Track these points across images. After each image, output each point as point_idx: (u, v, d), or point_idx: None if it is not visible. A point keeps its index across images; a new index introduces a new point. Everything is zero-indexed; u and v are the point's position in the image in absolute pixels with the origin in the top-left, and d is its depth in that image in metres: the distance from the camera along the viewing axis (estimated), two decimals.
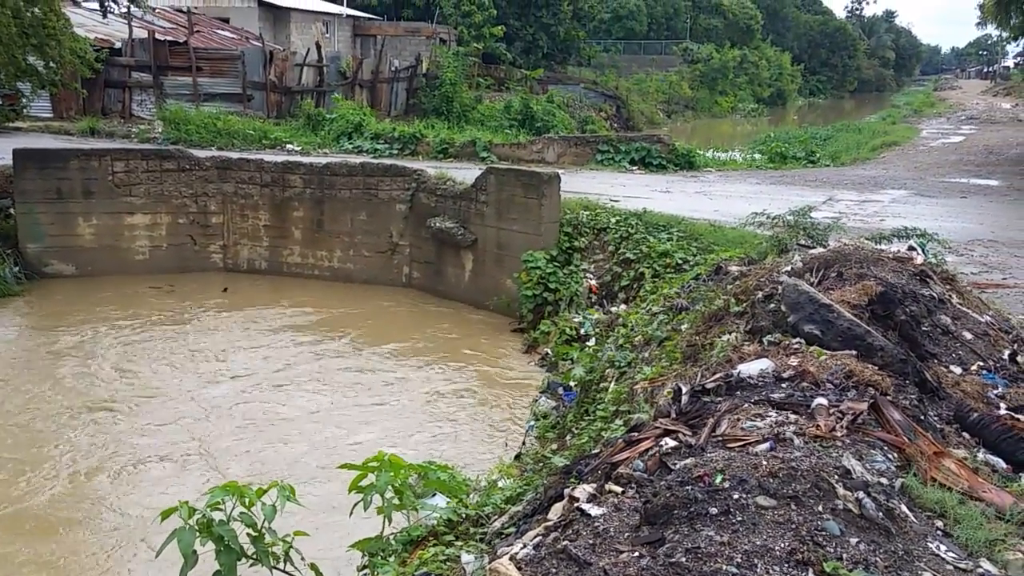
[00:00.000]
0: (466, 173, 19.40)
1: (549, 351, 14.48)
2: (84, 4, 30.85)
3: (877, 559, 3.82)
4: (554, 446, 9.60)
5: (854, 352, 6.13)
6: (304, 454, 11.37)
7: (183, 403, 12.91)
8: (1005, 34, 35.43)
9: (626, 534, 4.20)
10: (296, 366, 14.58)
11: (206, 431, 11.99)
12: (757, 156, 30.33)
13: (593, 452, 6.53)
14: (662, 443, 5.14)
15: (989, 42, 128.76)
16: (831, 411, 5.14)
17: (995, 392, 6.40)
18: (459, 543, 5.95)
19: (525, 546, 4.43)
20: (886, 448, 4.87)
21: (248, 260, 20.59)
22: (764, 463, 4.44)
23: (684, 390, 5.99)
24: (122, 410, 12.60)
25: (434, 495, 6.94)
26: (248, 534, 5.70)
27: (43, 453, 11.24)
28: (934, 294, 7.79)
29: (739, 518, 4.06)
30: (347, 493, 6.40)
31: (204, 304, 17.80)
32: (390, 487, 6.23)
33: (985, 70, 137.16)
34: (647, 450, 5.18)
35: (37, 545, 9.22)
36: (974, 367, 6.85)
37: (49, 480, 10.54)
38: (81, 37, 24.99)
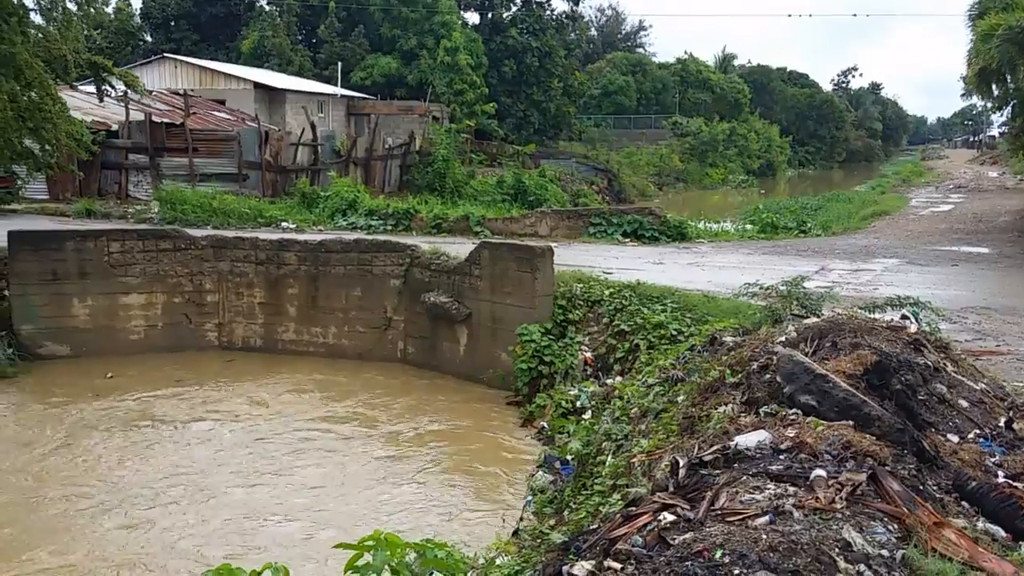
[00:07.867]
0: (460, 248, 19.51)
1: (545, 424, 14.40)
2: (81, 88, 31.24)
3: None
4: (552, 521, 9.50)
5: (851, 422, 6.12)
6: (298, 533, 11.22)
7: (175, 484, 12.75)
8: (989, 104, 36.00)
9: None
10: (289, 443, 14.44)
11: (198, 512, 11.84)
12: (748, 227, 30.57)
13: (591, 528, 6.46)
14: (660, 517, 5.10)
15: (974, 112, 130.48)
16: (830, 483, 5.11)
17: (993, 460, 6.38)
18: None
19: None
20: (886, 519, 4.83)
21: (243, 338, 20.55)
22: (764, 537, 4.40)
23: (681, 463, 5.96)
24: (107, 491, 12.46)
25: (432, 574, 6.84)
26: None
27: (20, 537, 11.09)
28: (929, 363, 7.80)
29: None
30: (343, 573, 6.30)
31: (196, 384, 17.67)
32: (387, 567, 6.14)
33: (971, 139, 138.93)
34: (645, 525, 5.14)
35: None
36: (971, 435, 6.84)
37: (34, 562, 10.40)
38: (77, 120, 25.25)
